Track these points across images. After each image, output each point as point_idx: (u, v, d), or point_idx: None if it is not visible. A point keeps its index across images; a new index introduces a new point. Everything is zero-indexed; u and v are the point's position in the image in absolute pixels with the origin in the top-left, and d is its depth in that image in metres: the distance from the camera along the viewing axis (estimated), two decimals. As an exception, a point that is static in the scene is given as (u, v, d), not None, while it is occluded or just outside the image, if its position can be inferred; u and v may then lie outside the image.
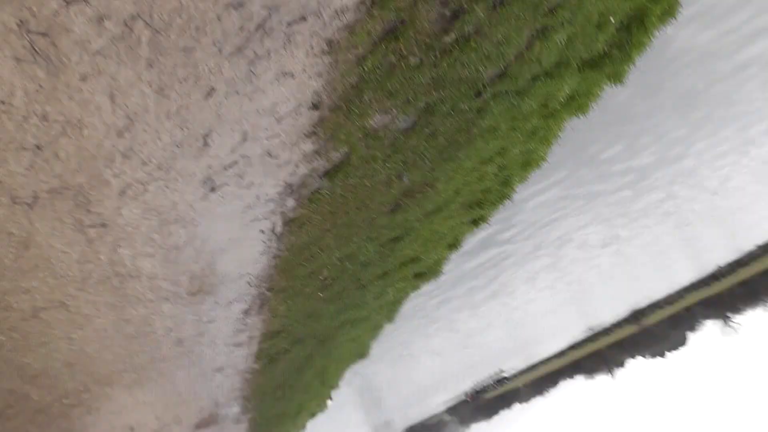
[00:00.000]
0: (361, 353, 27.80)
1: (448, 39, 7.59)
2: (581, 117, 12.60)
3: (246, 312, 12.91)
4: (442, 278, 21.52)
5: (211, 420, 21.03)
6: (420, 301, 32.63)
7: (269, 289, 12.30)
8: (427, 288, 20.61)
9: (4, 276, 7.13)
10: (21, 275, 7.28)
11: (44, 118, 5.30)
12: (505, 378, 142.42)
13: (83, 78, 5.12)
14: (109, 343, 10.38)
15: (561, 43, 9.32)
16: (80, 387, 11.01)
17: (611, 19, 10.06)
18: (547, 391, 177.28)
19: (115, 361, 11.19)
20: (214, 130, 6.75)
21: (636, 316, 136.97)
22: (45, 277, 7.61)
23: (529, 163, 13.81)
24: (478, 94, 9.27)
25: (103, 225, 7.26)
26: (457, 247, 17.30)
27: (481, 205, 14.43)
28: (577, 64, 10.36)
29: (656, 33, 11.27)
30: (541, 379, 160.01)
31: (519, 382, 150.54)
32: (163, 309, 10.47)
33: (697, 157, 38.03)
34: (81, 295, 8.49)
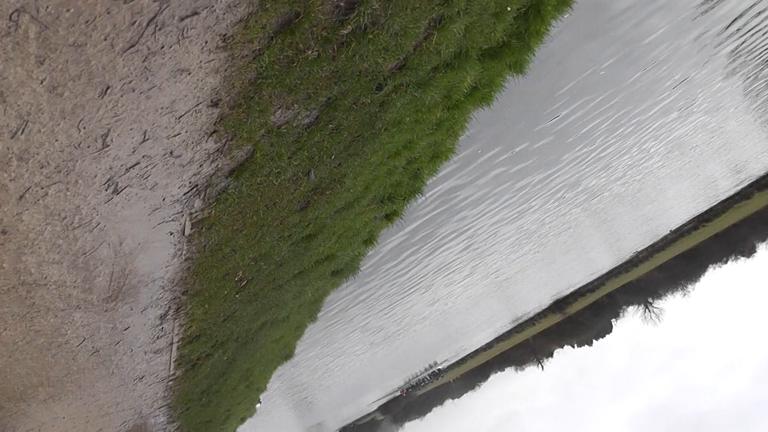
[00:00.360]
0: (287, 354, 27.80)
1: (345, 31, 7.66)
2: (486, 108, 12.86)
3: (162, 317, 12.80)
4: (363, 275, 21.70)
5: (136, 431, 20.76)
6: (342, 299, 32.65)
7: (184, 293, 12.22)
8: (348, 285, 20.74)
9: None
10: None
11: (-68, 123, 5.21)
12: (440, 370, 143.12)
13: (-31, 78, 5.05)
14: (20, 356, 10.17)
15: (459, 33, 9.51)
16: (-7, 405, 10.79)
17: (508, 8, 10.29)
18: (479, 385, 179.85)
19: (28, 374, 10.97)
20: (113, 129, 6.69)
21: (559, 305, 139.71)
22: (-55, 290, 7.45)
23: (437, 155, 14.02)
24: (380, 87, 9.38)
25: (4, 232, 7.13)
26: (373, 243, 17.46)
27: (392, 199, 14.59)
28: (476, 55, 10.56)
29: (553, 22, 11.58)
30: (471, 372, 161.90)
31: (449, 377, 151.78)
32: (75, 318, 10.30)
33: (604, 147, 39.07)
34: (-14, 307, 8.33)
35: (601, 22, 24.50)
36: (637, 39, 28.24)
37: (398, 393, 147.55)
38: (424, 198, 15.80)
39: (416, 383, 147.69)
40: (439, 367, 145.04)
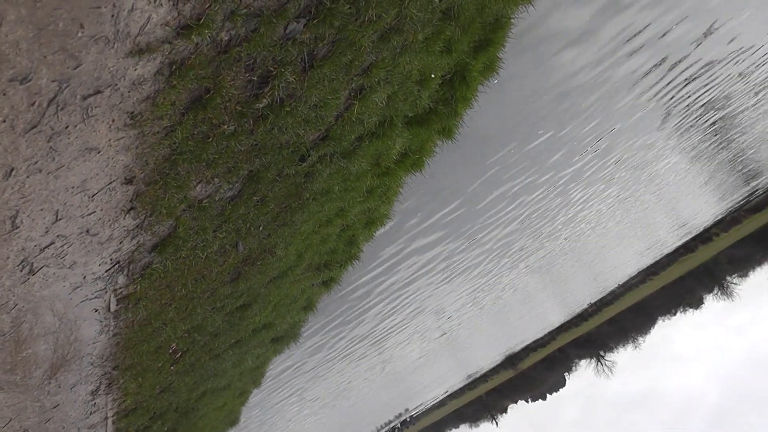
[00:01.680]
0: (232, 420, 27.33)
1: (261, 105, 7.64)
2: (418, 174, 12.91)
3: (94, 393, 12.52)
4: (304, 340, 21.53)
5: None
6: (287, 363, 32.33)
7: (115, 368, 11.98)
8: (289, 350, 20.57)
9: None
10: None
11: None
12: (412, 417, 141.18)
13: None
14: (-57, 440, 9.89)
15: (381, 102, 9.53)
16: None
17: (432, 75, 10.38)
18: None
19: (-47, 460, 10.65)
20: (22, 211, 6.58)
21: (511, 360, 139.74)
22: None
23: (372, 221, 14.04)
24: (303, 158, 9.37)
25: None
26: (312, 309, 17.38)
27: (329, 266, 14.55)
28: (402, 122, 10.62)
29: (480, 88, 11.72)
30: (425, 430, 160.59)
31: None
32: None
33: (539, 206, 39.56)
34: None
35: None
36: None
37: None
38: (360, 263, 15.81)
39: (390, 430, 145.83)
40: (412, 413, 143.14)
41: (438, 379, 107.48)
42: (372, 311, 36.02)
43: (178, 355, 13.26)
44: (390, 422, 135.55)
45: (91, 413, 13.45)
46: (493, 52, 11.24)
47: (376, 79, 9.02)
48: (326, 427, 77.28)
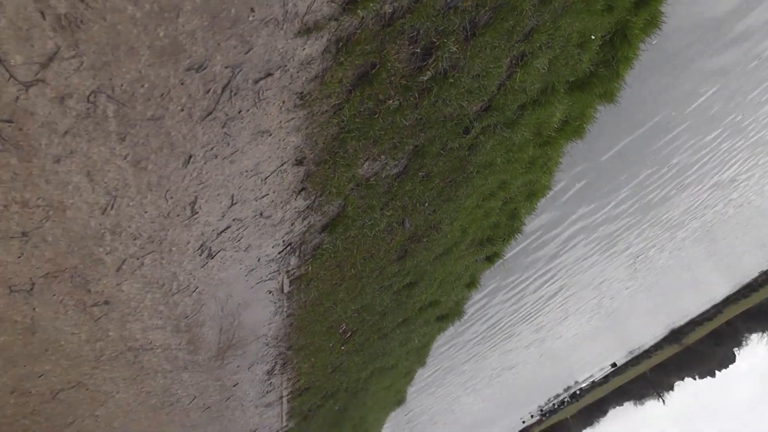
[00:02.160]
0: (398, 400, 27.64)
1: (425, 78, 7.54)
2: (579, 141, 12.55)
3: (270, 372, 12.88)
4: (469, 315, 21.43)
5: (254, 483, 20.88)
6: (451, 340, 32.30)
7: (289, 348, 12.27)
8: (454, 328, 20.52)
9: (17, 363, 7.18)
10: (33, 360, 7.32)
11: (25, 204, 5.36)
12: (581, 390, 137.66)
13: (56, 160, 5.18)
14: (134, 416, 10.40)
15: (543, 68, 9.26)
16: (115, 463, 11.02)
17: (592, 36, 10.03)
18: (597, 421, 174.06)
19: (144, 433, 11.20)
20: (200, 196, 6.78)
21: (676, 335, 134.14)
22: (57, 359, 7.65)
23: (534, 193, 13.76)
24: (467, 130, 9.23)
25: (107, 302, 7.30)
26: (476, 286, 17.23)
27: (492, 241, 14.36)
28: (564, 88, 10.31)
29: (641, 46, 11.23)
30: (588, 408, 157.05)
31: (566, 414, 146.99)
32: (184, 378, 10.47)
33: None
34: (97, 373, 8.52)
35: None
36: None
37: (538, 417, 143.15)
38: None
39: (554, 407, 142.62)
40: (581, 386, 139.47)
41: (599, 356, 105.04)
42: (529, 285, 35.52)
43: (348, 335, 13.45)
44: (558, 395, 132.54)
45: (267, 392, 13.86)
46: (655, 6, 10.73)
47: (538, 44, 8.77)
48: (488, 404, 77.18)
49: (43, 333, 7.03)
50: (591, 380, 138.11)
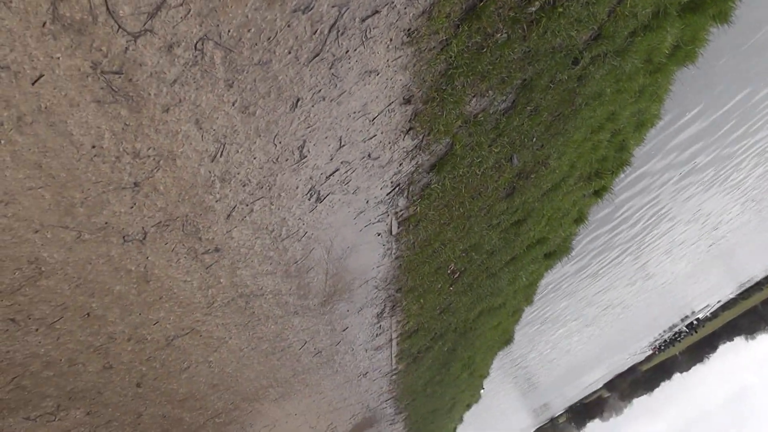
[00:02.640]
0: (506, 339, 27.56)
1: (533, 8, 7.24)
2: (692, 66, 12.00)
3: (379, 315, 12.90)
4: (576, 251, 21.01)
5: (365, 424, 21.25)
6: (557, 279, 31.97)
7: (398, 291, 12.23)
8: (561, 264, 20.21)
9: (132, 311, 7.29)
10: (147, 308, 7.42)
11: (136, 155, 5.33)
12: (698, 320, 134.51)
13: (165, 109, 5.12)
14: (247, 361, 10.54)
15: (655, -10, 8.84)
16: (229, 405, 11.25)
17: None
18: (707, 357, 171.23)
19: (257, 377, 11.37)
20: (308, 140, 6.68)
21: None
22: (171, 307, 7.75)
23: (643, 123, 13.30)
24: (576, 61, 8.87)
25: (217, 250, 7.31)
26: (584, 221, 16.87)
27: (600, 175, 13.97)
28: (676, 11, 9.80)
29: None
30: (698, 344, 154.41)
31: (675, 350, 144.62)
32: (294, 323, 10.54)
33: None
34: (209, 320, 8.61)
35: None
36: None
37: (650, 351, 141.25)
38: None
39: (671, 339, 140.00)
40: (698, 316, 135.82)
41: (708, 291, 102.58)
42: (635, 218, 34.72)
43: (456, 275, 13.34)
44: (674, 325, 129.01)
45: (376, 335, 13.91)
46: None
47: (650, -34, 8.35)
48: (595, 343, 76.68)
49: (157, 281, 7.10)
50: (707, 310, 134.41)
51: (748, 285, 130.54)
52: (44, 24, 4.05)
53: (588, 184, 14.30)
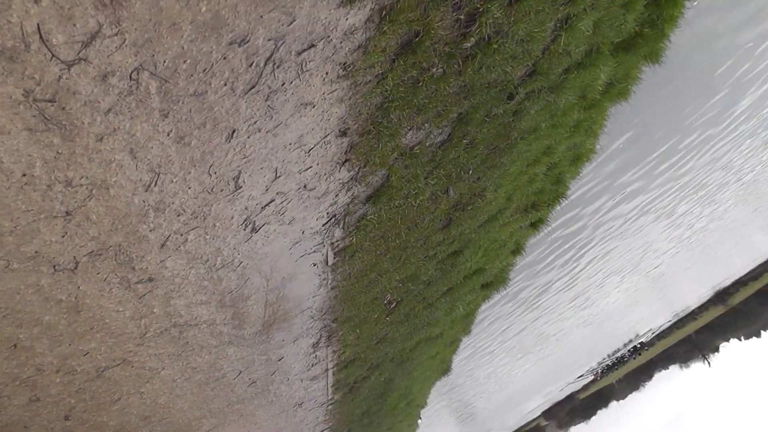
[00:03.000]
0: (444, 369, 27.66)
1: (468, 44, 7.37)
2: (624, 103, 12.34)
3: (315, 345, 12.87)
4: (512, 285, 21.29)
5: (300, 454, 21.06)
6: (495, 309, 32.26)
7: (334, 321, 12.24)
8: (498, 296, 20.42)
9: (62, 342, 7.19)
10: (78, 338, 7.34)
11: (68, 183, 5.30)
12: (642, 344, 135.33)
13: (99, 138, 5.11)
14: (180, 392, 10.44)
15: (587, 30, 9.05)
16: (162, 438, 11.11)
17: (638, -5, 9.82)
18: (643, 385, 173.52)
19: (191, 408, 11.25)
20: (244, 171, 6.70)
21: (720, 296, 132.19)
22: (102, 338, 7.66)
23: (578, 157, 13.56)
24: (511, 96, 9.05)
25: (151, 279, 7.27)
26: (521, 253, 17.10)
27: (536, 207, 14.19)
28: (609, 50, 10.09)
29: (688, 4, 10.99)
30: (634, 372, 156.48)
31: (612, 378, 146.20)
32: (229, 353, 10.48)
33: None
34: (142, 350, 8.53)
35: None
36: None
37: (591, 377, 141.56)
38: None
39: (613, 363, 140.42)
40: (641, 340, 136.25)
41: (643, 320, 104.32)
42: (572, 251, 35.27)
43: (393, 306, 13.39)
44: (617, 350, 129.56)
45: (313, 365, 13.87)
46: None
47: (582, 6, 8.55)
48: (534, 372, 77.27)
49: (88, 311, 7.03)
50: (650, 333, 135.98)
51: (682, 314, 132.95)
52: (-26, 52, 4.04)
53: (525, 215, 14.50)
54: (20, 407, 7.56)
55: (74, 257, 6.15)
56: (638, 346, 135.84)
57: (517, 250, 16.94)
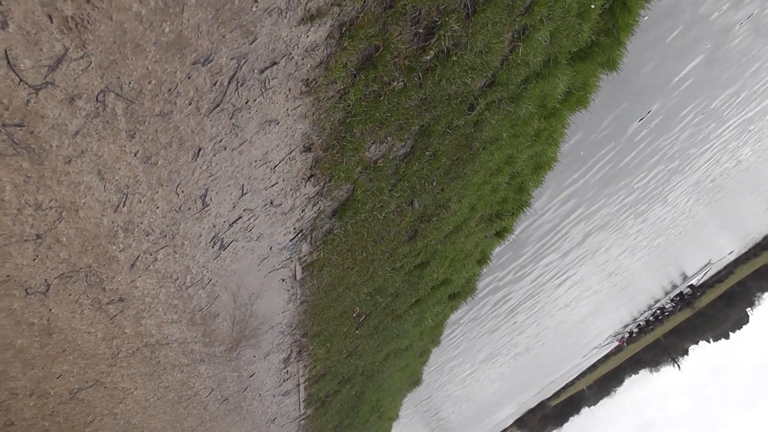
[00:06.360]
0: (414, 381, 27.74)
1: (428, 57, 7.53)
2: (583, 111, 12.55)
3: (286, 360, 12.92)
4: (479, 295, 21.43)
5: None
6: (463, 320, 32.37)
7: (304, 335, 12.30)
8: (465, 307, 20.56)
9: (35, 365, 7.19)
10: (50, 361, 7.34)
11: (38, 207, 5.36)
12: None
13: (68, 161, 5.18)
14: (153, 411, 10.43)
15: (545, 40, 9.24)
16: (135, 459, 11.07)
17: (592, 5, 10.02)
18: (614, 391, 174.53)
19: (164, 428, 11.24)
20: (211, 189, 6.78)
21: (686, 299, 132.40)
22: (75, 359, 7.67)
23: (540, 166, 13.75)
24: (471, 107, 9.22)
25: (121, 300, 7.31)
26: (487, 262, 17.26)
27: (501, 216, 14.37)
28: (566, 59, 10.30)
29: (641, 12, 11.22)
30: (604, 378, 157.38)
31: (582, 384, 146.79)
32: (201, 370, 10.50)
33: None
34: (114, 371, 8.54)
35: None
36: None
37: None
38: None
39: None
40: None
41: (610, 326, 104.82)
42: (534, 260, 35.48)
43: (362, 319, 13.48)
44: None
45: (284, 380, 13.91)
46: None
47: (539, 17, 8.75)
48: (504, 381, 77.38)
49: (60, 333, 7.04)
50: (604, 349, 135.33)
51: (648, 316, 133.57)
52: (-57, 79, 4.12)
53: (489, 225, 14.67)
54: (-7, 432, 7.55)
55: (45, 280, 6.18)
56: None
57: (483, 260, 17.10)
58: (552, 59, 9.98)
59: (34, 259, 5.86)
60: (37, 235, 5.62)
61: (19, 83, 4.42)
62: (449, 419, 76.35)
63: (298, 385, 14.76)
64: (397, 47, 7.03)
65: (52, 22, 4.26)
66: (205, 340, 9.70)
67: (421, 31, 7.18)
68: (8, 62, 4.28)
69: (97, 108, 4.97)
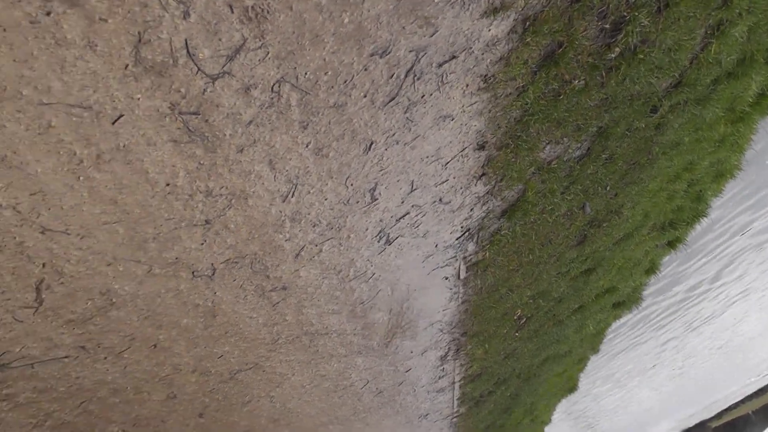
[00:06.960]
0: (570, 387, 27.05)
1: (613, 55, 7.13)
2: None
3: (443, 358, 12.78)
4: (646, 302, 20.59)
5: (424, 465, 20.99)
6: (624, 329, 31.33)
7: (463, 334, 12.10)
8: (631, 314, 19.81)
9: (198, 344, 7.34)
10: (213, 342, 7.47)
11: (208, 193, 5.39)
12: None
13: (240, 150, 5.17)
14: (308, 398, 10.52)
15: (741, 37, 8.57)
16: (289, 441, 11.24)
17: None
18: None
19: (318, 414, 11.34)
20: (380, 183, 6.67)
21: None
22: (236, 342, 7.79)
23: (721, 174, 12.96)
24: (654, 109, 8.70)
25: (284, 288, 7.33)
26: (655, 272, 16.48)
27: (674, 225, 13.65)
28: (763, 58, 9.56)
29: None
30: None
31: (746, 409, 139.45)
32: (357, 362, 10.50)
33: None
34: (273, 356, 8.63)
35: None
36: None
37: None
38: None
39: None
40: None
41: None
42: (709, 271, 33.85)
43: (522, 321, 13.16)
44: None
45: (439, 378, 13.78)
46: None
47: (737, 11, 8.10)
48: (663, 398, 74.85)
49: (223, 316, 7.15)
50: None
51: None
52: (126, 66, 4.13)
53: (661, 234, 14.01)
54: (158, 403, 7.77)
55: (212, 264, 6.25)
56: None
57: (652, 270, 16.36)
58: (748, 57, 9.29)
59: (202, 244, 5.93)
60: (206, 220, 5.66)
61: (197, 72, 4.43)
62: (602, 428, 74.63)
63: (453, 383, 14.60)
64: (581, 44, 6.67)
65: (232, 12, 4.23)
66: (364, 332, 9.66)
67: (607, 26, 6.79)
68: (188, 52, 4.28)
69: (272, 98, 4.93)
